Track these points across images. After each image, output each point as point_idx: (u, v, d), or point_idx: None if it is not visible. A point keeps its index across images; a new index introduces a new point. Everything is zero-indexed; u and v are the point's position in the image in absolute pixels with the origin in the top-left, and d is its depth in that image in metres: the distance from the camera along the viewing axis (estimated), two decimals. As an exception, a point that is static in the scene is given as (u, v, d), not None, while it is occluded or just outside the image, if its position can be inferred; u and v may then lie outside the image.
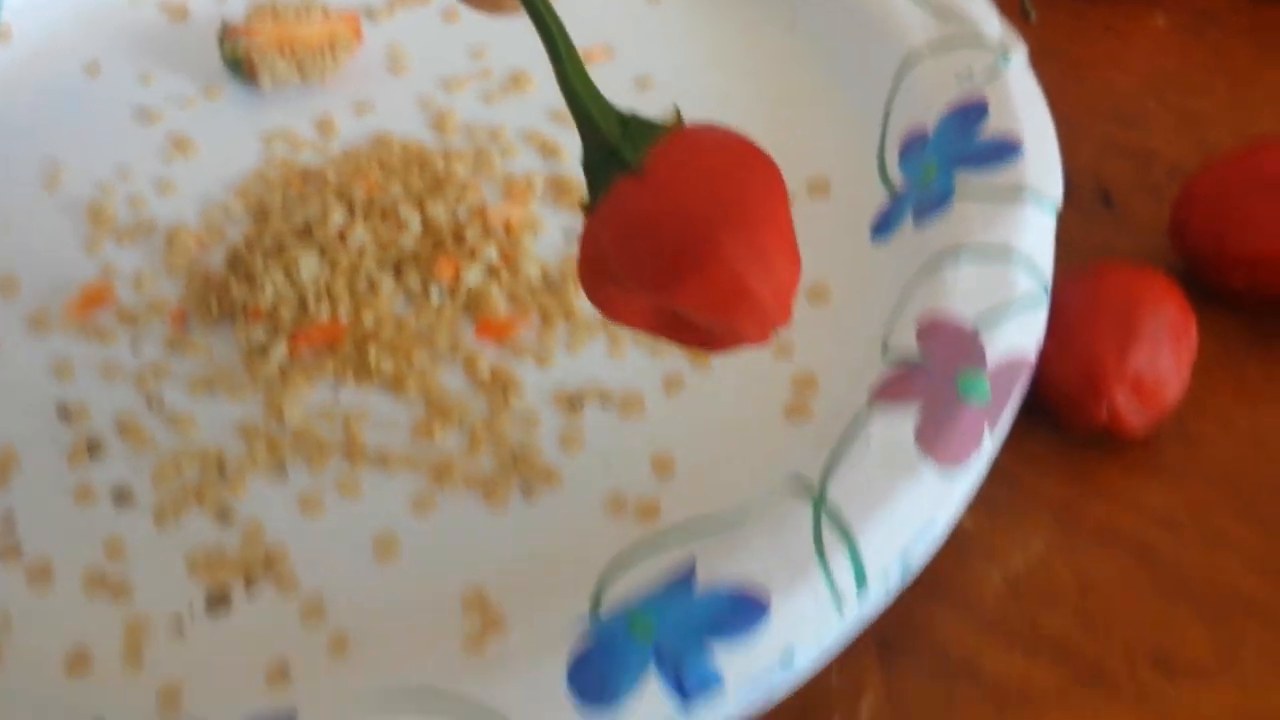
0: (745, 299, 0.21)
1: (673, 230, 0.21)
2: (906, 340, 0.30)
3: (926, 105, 0.36)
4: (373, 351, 0.34)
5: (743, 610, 0.25)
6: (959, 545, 0.31)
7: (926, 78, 0.37)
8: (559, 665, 0.24)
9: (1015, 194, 0.32)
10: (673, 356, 0.34)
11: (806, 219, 0.36)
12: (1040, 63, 0.37)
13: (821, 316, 0.34)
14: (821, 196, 0.37)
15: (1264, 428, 0.34)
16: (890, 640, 0.30)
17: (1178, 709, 0.29)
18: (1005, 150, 0.33)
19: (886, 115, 0.38)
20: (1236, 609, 0.30)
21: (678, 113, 0.22)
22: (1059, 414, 0.33)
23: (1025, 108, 0.35)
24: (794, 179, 0.37)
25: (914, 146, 0.36)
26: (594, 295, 0.22)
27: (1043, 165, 0.33)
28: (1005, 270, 0.30)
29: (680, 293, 0.21)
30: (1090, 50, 0.45)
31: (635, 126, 0.22)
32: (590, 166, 0.22)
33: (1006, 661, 0.30)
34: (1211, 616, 0.30)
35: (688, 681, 0.24)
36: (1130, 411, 0.31)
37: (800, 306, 0.35)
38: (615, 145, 0.21)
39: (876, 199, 0.36)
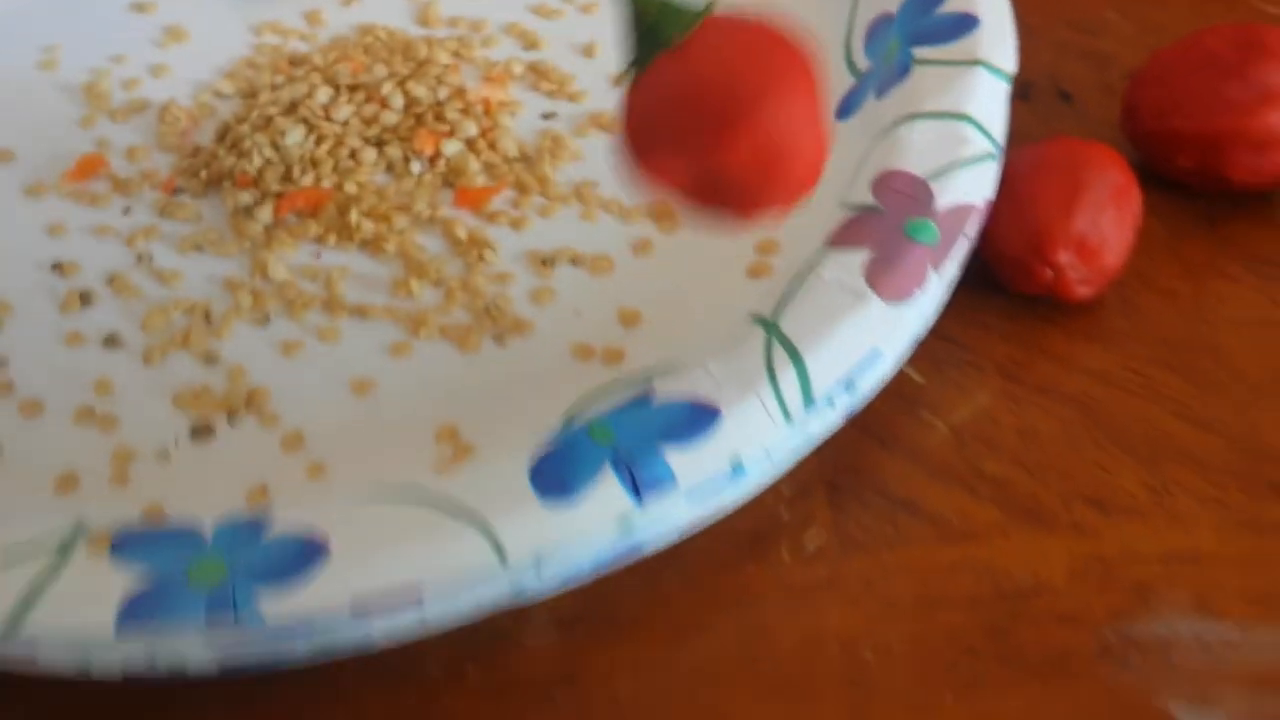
0: (778, 161, 0.23)
1: (712, 99, 0.23)
2: (862, 193, 0.31)
3: (890, -5, 0.38)
4: (354, 214, 0.35)
5: (696, 419, 0.26)
6: (907, 398, 0.33)
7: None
8: (522, 463, 0.26)
9: (970, 64, 0.34)
10: (643, 223, 0.35)
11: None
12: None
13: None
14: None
15: (1205, 300, 0.35)
16: (838, 482, 0.32)
17: (1111, 543, 0.30)
18: (962, 25, 0.35)
19: (853, 10, 0.39)
20: (1169, 454, 0.32)
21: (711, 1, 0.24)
22: (1007, 279, 0.34)
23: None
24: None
25: (878, 31, 0.38)
26: (637, 159, 0.24)
27: (997, 38, 0.35)
28: (958, 130, 0.32)
29: (718, 154, 0.23)
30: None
31: (673, 10, 0.23)
32: (631, 43, 0.24)
33: (948, 500, 0.31)
34: (1145, 461, 0.32)
35: (641, 480, 0.26)
36: (1074, 272, 0.33)
37: (765, 181, 0.36)
38: (655, 24, 0.23)
39: (844, 84, 0.38)
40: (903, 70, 0.35)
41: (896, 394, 0.33)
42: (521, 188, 0.36)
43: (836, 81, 0.38)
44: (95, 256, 0.35)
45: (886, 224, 0.30)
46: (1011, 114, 0.34)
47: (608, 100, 0.39)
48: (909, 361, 0.34)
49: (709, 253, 0.34)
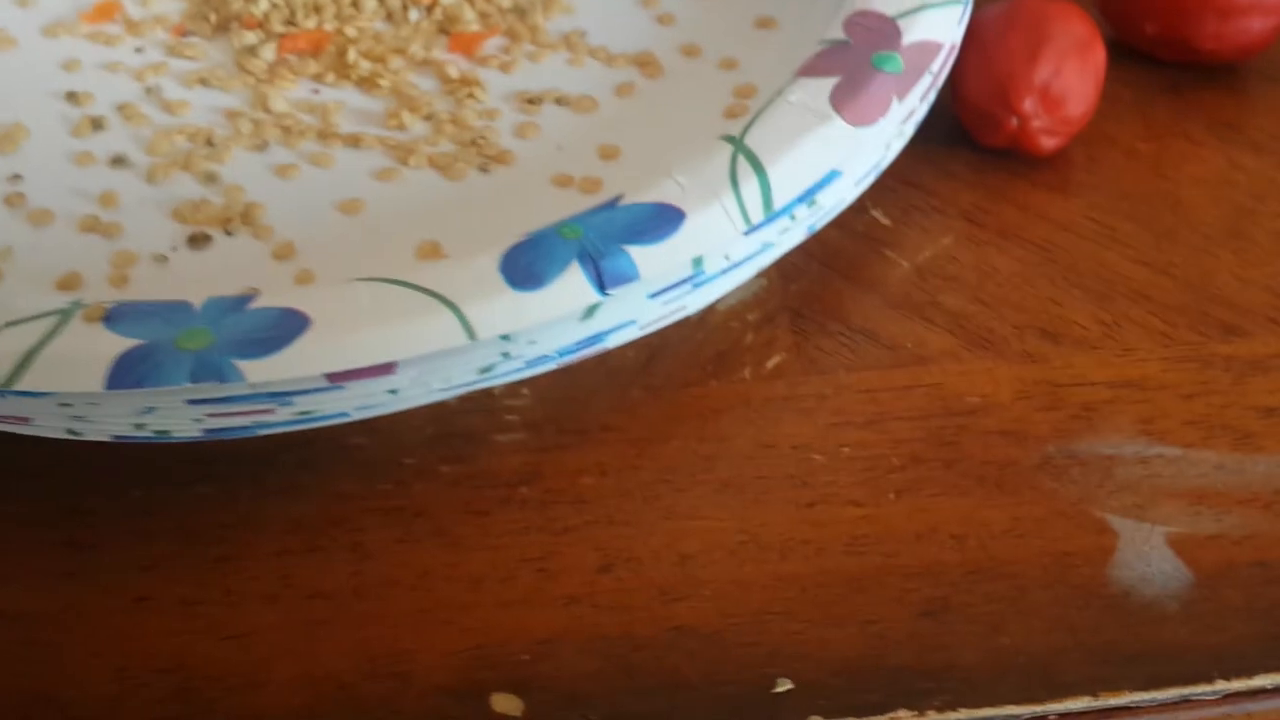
0: None
1: None
2: (834, 30, 0.33)
3: None
4: (352, 53, 0.37)
5: (660, 220, 0.28)
6: (873, 239, 0.35)
7: None
8: (494, 257, 0.28)
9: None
10: (628, 69, 0.37)
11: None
12: None
13: (768, 40, 0.37)
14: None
15: (1165, 158, 0.36)
16: (802, 310, 0.33)
17: (1061, 370, 0.32)
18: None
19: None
20: (1123, 293, 0.33)
21: None
22: (975, 131, 0.35)
23: None
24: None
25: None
26: None
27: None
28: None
29: None
30: None
31: None
32: None
33: (906, 330, 0.33)
34: (1099, 298, 0.33)
35: (605, 272, 0.27)
36: (1038, 121, 0.34)
37: (748, 32, 0.37)
38: None
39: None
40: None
41: (864, 235, 0.35)
42: (513, 35, 0.38)
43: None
44: (107, 88, 0.37)
45: (854, 55, 0.31)
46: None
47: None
48: (877, 205, 0.35)
49: (689, 97, 0.36)
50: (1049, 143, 0.35)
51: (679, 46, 0.37)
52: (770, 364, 0.32)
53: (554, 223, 0.29)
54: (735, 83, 0.36)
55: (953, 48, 0.33)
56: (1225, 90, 0.38)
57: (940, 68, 0.32)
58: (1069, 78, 0.34)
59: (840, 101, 0.30)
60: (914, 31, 0.32)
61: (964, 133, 0.36)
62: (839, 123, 0.30)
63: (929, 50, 0.32)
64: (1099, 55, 0.35)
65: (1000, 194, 0.35)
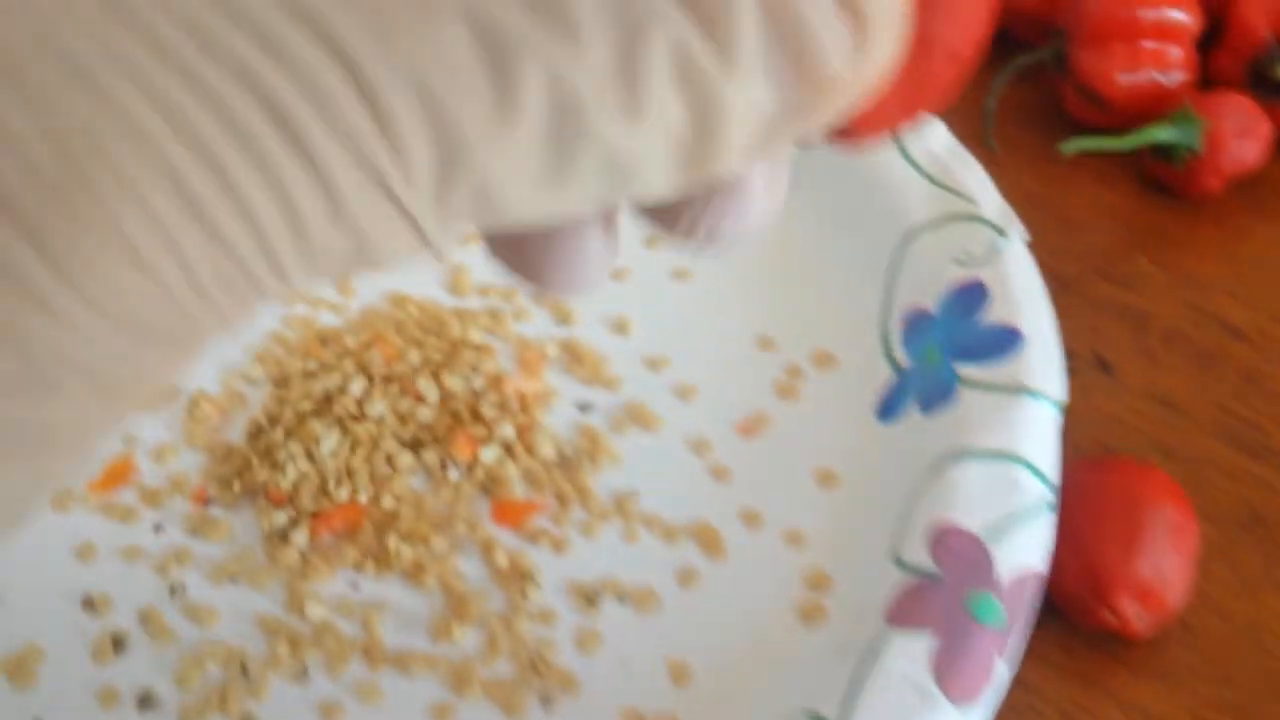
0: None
1: None
2: (918, 551, 0.31)
3: (927, 283, 0.37)
4: (393, 541, 0.34)
5: None
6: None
7: (927, 252, 0.38)
8: None
9: (1017, 392, 0.33)
10: (686, 545, 0.35)
11: (814, 395, 0.38)
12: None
13: (832, 503, 0.35)
14: (828, 369, 0.38)
15: (1262, 619, 0.34)
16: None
17: None
18: (1006, 341, 0.34)
19: (889, 290, 0.38)
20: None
21: None
22: (1065, 609, 0.33)
23: (1024, 293, 0.36)
24: (799, 351, 0.39)
25: (917, 326, 0.37)
26: None
27: (1044, 360, 0.34)
28: (1011, 474, 0.31)
29: None
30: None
31: None
32: None
33: None
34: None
35: None
36: (1134, 615, 0.32)
37: (809, 491, 0.35)
38: None
39: (882, 376, 0.37)
40: (947, 390, 0.34)
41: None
42: (561, 499, 0.36)
43: (875, 372, 0.37)
44: (126, 587, 0.34)
45: (948, 598, 0.29)
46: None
47: (642, 388, 0.38)
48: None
49: (756, 584, 0.33)
50: (1144, 628, 0.33)
51: (738, 511, 0.35)
52: None
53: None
54: (803, 565, 0.34)
55: (1047, 560, 0.31)
56: None
57: (1038, 594, 0.30)
58: (1166, 569, 0.32)
59: (943, 672, 0.28)
60: (1007, 558, 0.30)
61: (1050, 603, 0.34)
62: (944, 703, 0.28)
63: (1026, 583, 0.30)
64: (1192, 535, 0.33)
65: (1094, 686, 0.33)
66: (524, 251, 0.18)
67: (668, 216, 0.17)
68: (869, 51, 0.15)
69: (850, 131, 0.18)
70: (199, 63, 0.13)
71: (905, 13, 0.16)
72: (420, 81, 0.13)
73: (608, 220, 0.18)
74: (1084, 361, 0.41)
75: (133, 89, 0.13)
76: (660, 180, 0.15)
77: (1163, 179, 0.45)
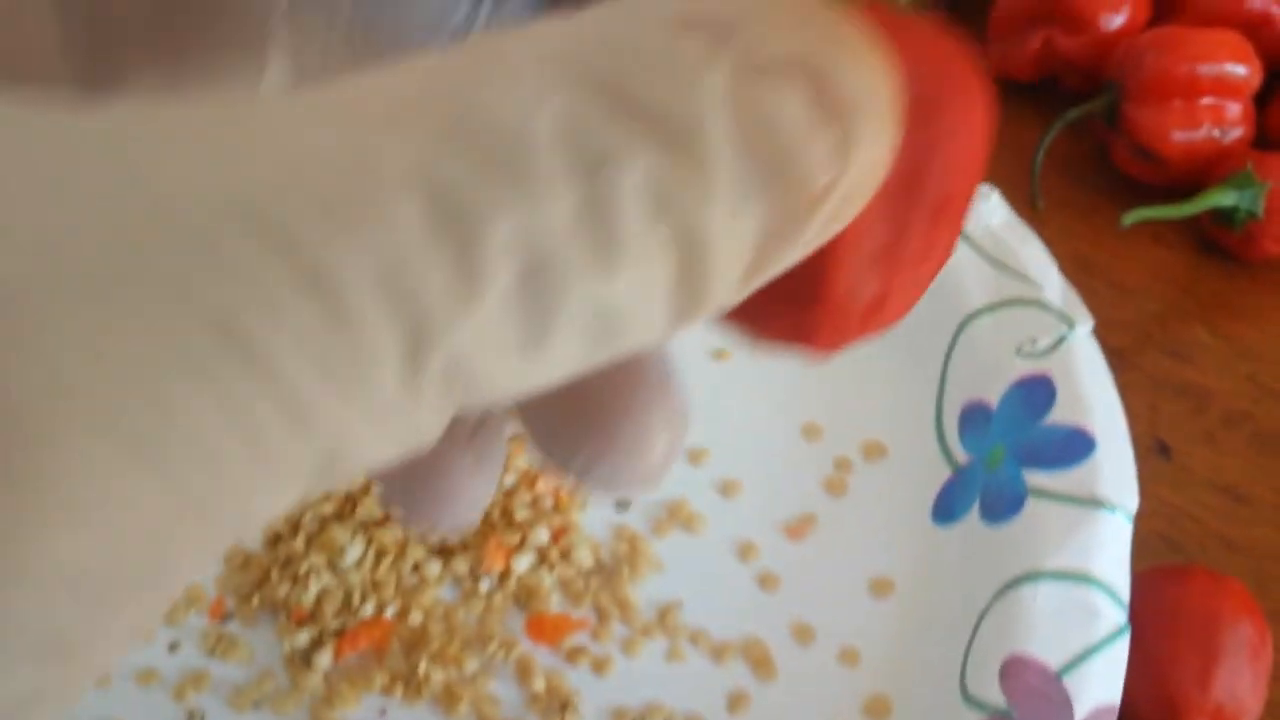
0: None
1: None
2: (988, 684, 0.29)
3: (987, 374, 0.35)
4: (423, 663, 0.32)
5: None
6: None
7: (985, 339, 0.36)
8: None
9: (1090, 504, 0.31)
10: (735, 663, 0.33)
11: (864, 491, 0.36)
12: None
13: (888, 616, 0.33)
14: (878, 461, 0.36)
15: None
16: None
17: None
18: (1076, 447, 0.32)
19: (943, 378, 0.36)
20: None
21: None
22: (1136, 731, 0.32)
23: (1093, 390, 0.34)
24: (848, 442, 0.37)
25: (976, 421, 0.35)
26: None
27: (1117, 466, 0.32)
28: (1086, 598, 0.29)
29: None
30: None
31: None
32: None
33: None
34: None
35: None
36: (1213, 746, 0.30)
37: (863, 601, 0.33)
38: None
39: (937, 472, 0.35)
40: (1015, 500, 0.32)
41: None
42: (601, 613, 0.34)
43: (929, 466, 0.35)
44: (143, 715, 0.32)
45: (1025, 750, 0.27)
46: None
47: (681, 483, 0.36)
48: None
49: (811, 712, 0.32)
50: (1221, 754, 0.31)
51: (789, 624, 0.33)
52: None
53: None
54: (861, 689, 0.32)
55: (1119, 703, 0.29)
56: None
57: (1116, 735, 0.29)
58: (1241, 691, 0.30)
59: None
60: (1084, 694, 0.28)
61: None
62: None
63: (1102, 718, 0.28)
64: (1267, 651, 0.31)
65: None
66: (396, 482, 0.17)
67: (560, 451, 0.17)
68: (858, 148, 0.13)
69: (808, 334, 0.15)
70: (132, 279, 0.12)
71: (897, 103, 0.13)
72: (375, 264, 0.12)
73: (476, 450, 0.17)
74: (1143, 446, 0.39)
75: (59, 322, 0.12)
76: (653, 327, 0.13)
77: (1221, 242, 0.43)
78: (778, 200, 0.13)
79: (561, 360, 0.13)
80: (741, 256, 0.13)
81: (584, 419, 0.17)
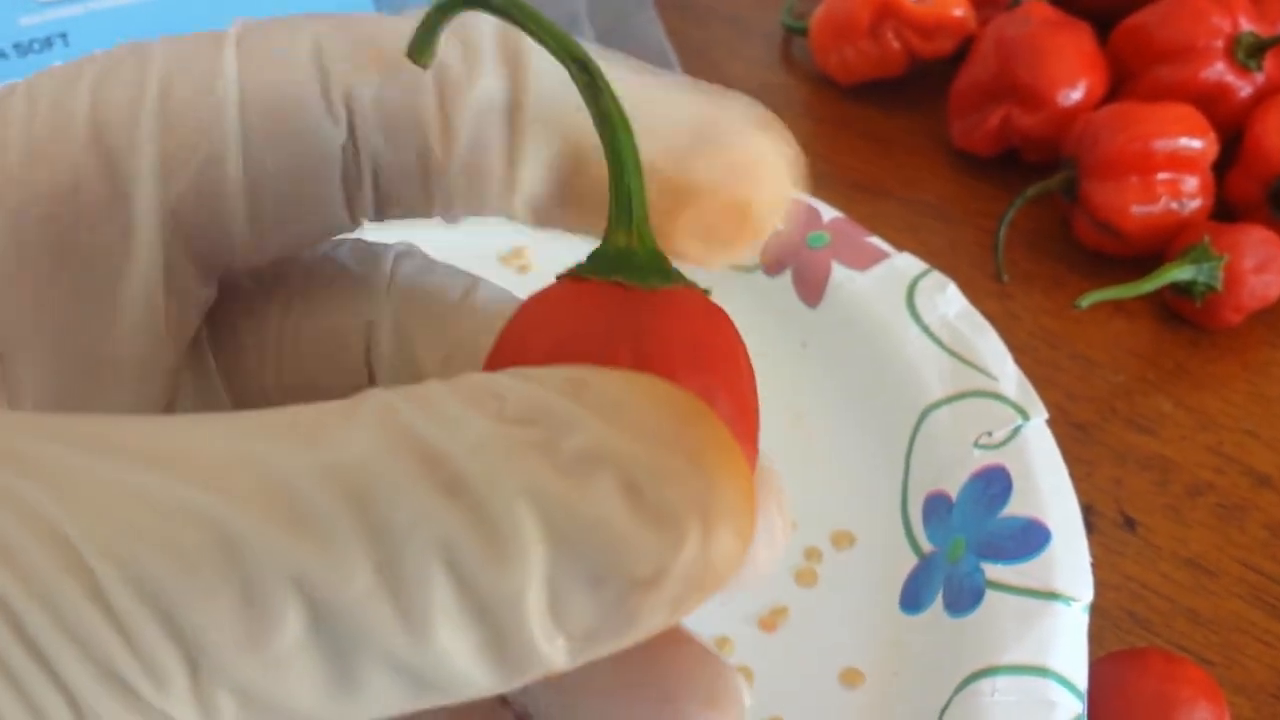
0: None
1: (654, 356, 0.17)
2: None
3: (947, 465, 0.36)
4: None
5: None
6: None
7: (944, 431, 0.37)
8: None
9: (1047, 598, 0.32)
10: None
11: (834, 580, 0.37)
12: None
13: (859, 705, 0.34)
14: (847, 549, 0.37)
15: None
16: None
17: None
18: (1032, 538, 0.33)
19: (907, 468, 0.38)
20: None
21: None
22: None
23: (1048, 482, 0.35)
24: (817, 531, 0.38)
25: (938, 511, 0.36)
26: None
27: (1071, 558, 0.33)
28: (1043, 690, 0.31)
29: None
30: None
31: (659, 256, 0.18)
32: (599, 254, 0.18)
33: None
34: None
35: None
36: None
37: (834, 694, 0.35)
38: (634, 251, 0.18)
39: (904, 560, 0.36)
40: (975, 594, 0.33)
41: None
42: None
43: (897, 556, 0.36)
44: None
45: None
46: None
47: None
48: None
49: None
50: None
51: (763, 719, 0.34)
52: None
53: None
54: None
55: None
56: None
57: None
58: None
59: None
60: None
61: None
62: None
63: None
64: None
65: None
66: None
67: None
68: (687, 545, 0.13)
69: None
70: None
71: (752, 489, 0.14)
72: (154, 588, 0.13)
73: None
74: (1108, 520, 0.40)
75: None
76: (476, 682, 0.14)
77: (1183, 312, 0.44)
78: (602, 586, 0.13)
79: (375, 707, 0.14)
80: (566, 629, 0.13)
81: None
